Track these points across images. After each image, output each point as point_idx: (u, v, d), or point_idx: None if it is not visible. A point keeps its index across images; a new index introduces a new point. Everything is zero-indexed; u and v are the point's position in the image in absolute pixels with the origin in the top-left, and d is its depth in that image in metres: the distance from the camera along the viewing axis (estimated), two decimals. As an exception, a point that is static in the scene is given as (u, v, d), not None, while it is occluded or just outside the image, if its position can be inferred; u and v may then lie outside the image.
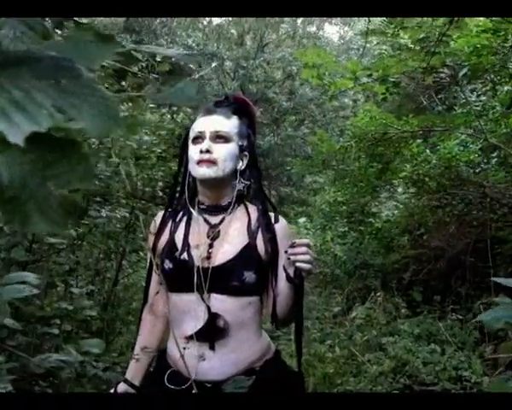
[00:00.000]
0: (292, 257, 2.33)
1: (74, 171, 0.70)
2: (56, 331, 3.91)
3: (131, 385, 2.57)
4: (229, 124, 2.52)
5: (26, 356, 2.50)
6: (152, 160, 6.35)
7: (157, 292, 2.61)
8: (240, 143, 2.54)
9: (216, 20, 24.45)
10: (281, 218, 2.59)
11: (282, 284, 2.46)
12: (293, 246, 2.34)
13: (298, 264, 2.32)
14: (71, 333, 5.05)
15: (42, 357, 2.33)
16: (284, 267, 2.42)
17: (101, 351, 2.74)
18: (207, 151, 2.44)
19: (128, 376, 2.61)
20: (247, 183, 2.61)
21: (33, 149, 0.68)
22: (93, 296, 6.31)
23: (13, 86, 0.63)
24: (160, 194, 6.98)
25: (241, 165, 2.57)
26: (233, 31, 25.31)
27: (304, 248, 2.32)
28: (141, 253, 7.48)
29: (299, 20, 25.59)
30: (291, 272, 2.37)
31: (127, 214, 6.17)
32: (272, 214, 2.58)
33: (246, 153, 2.58)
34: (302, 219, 15.82)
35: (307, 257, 2.31)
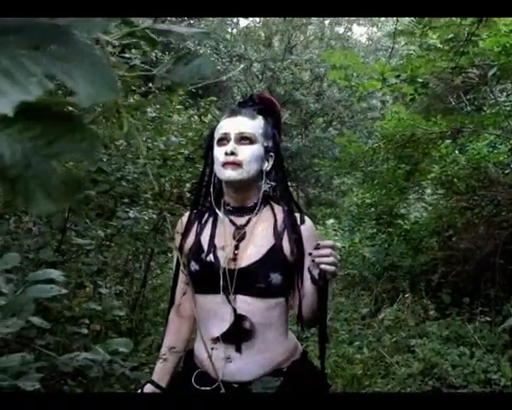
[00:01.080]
0: (316, 259, 2.33)
1: (78, 147, 0.67)
2: (85, 331, 3.94)
3: (158, 386, 2.57)
4: (253, 125, 2.51)
5: (54, 355, 2.51)
6: (180, 161, 6.36)
7: (184, 293, 2.61)
8: (265, 144, 2.53)
9: (243, 22, 24.53)
10: (307, 219, 2.58)
11: (308, 286, 2.45)
12: (317, 248, 2.34)
13: (322, 266, 2.31)
14: (100, 333, 5.09)
15: (70, 356, 2.34)
16: (309, 269, 2.41)
17: (128, 350, 2.74)
18: (232, 153, 2.43)
19: (155, 377, 2.60)
20: (273, 184, 2.60)
21: (35, 126, 0.65)
22: (121, 297, 6.36)
23: (2, 53, 0.61)
24: (188, 195, 7.01)
25: (267, 166, 2.56)
26: (261, 32, 25.36)
27: (328, 250, 2.31)
28: (169, 254, 7.52)
29: (327, 21, 25.62)
30: (315, 273, 2.37)
31: (154, 216, 6.20)
32: (298, 215, 2.57)
33: (271, 153, 2.57)
34: (330, 221, 15.81)
35: (331, 259, 2.31)
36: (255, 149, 2.48)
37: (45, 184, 0.65)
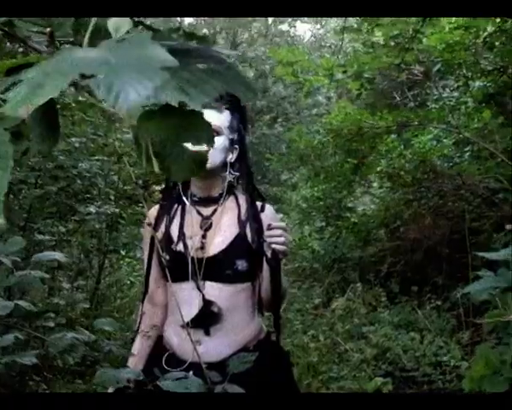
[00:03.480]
0: (268, 239, 2.47)
1: (197, 134, 0.92)
2: (52, 324, 4.00)
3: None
4: (220, 117, 2.62)
5: (42, 336, 2.61)
6: (133, 157, 6.41)
7: (156, 283, 2.73)
8: (230, 137, 2.65)
9: (188, 20, 24.48)
10: (267, 206, 2.70)
11: (265, 269, 2.59)
12: (269, 228, 2.48)
13: (273, 245, 2.46)
14: (65, 327, 5.14)
15: (58, 335, 2.43)
16: (264, 250, 2.55)
17: (114, 329, 2.85)
18: None
19: (130, 364, 2.67)
20: (237, 174, 2.71)
21: (168, 120, 0.88)
22: (79, 293, 6.40)
23: (181, 70, 0.81)
24: (141, 191, 7.06)
25: (231, 157, 2.67)
26: (205, 30, 25.32)
27: (279, 231, 2.46)
28: (122, 251, 7.56)
29: (271, 19, 25.65)
30: (269, 253, 2.51)
31: (116, 210, 6.25)
32: (260, 204, 2.69)
33: (236, 146, 2.69)
34: (279, 216, 15.91)
35: (282, 239, 2.46)
36: (220, 141, 2.59)
37: (177, 161, 0.92)
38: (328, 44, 23.48)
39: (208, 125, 0.95)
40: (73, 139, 5.92)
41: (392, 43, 6.40)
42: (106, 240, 6.76)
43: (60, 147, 5.54)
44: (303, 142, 9.00)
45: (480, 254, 2.29)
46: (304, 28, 31.38)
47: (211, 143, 0.94)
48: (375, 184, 11.14)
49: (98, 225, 6.54)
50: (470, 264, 5.91)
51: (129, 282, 8.49)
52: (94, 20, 0.88)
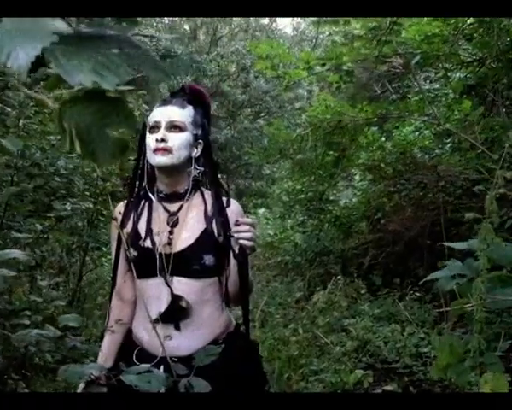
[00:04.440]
0: (236, 235, 2.50)
1: (122, 120, 0.94)
2: (27, 322, 3.99)
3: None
4: (183, 114, 2.64)
5: (7, 333, 2.60)
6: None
7: (124, 280, 2.74)
8: (194, 132, 2.66)
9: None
10: (232, 201, 2.74)
11: (232, 263, 2.62)
12: (237, 224, 2.51)
13: (241, 241, 2.49)
14: (42, 324, 5.12)
15: (23, 332, 2.42)
16: (231, 245, 2.57)
17: (78, 325, 2.84)
18: (163, 140, 2.56)
19: (100, 360, 2.69)
20: (202, 169, 2.74)
21: (93, 105, 0.92)
22: (59, 290, 6.37)
23: (96, 53, 0.86)
24: (121, 189, 7.05)
25: (196, 152, 2.69)
26: (186, 26, 25.31)
27: (247, 227, 2.49)
28: (103, 248, 7.54)
29: (251, 13, 25.63)
30: (236, 249, 2.54)
31: (91, 205, 6.23)
32: (225, 199, 2.71)
33: (200, 141, 2.70)
34: (261, 210, 15.95)
35: (249, 235, 2.48)
36: (184, 137, 2.61)
37: (102, 145, 0.94)
38: (309, 38, 23.53)
39: (130, 111, 0.97)
40: (52, 137, 5.89)
41: (371, 36, 6.39)
42: (85, 237, 6.73)
43: (37, 144, 5.53)
44: (282, 135, 8.99)
45: (447, 244, 2.30)
46: (285, 22, 31.49)
47: (133, 128, 0.97)
48: (356, 177, 11.18)
49: (80, 223, 6.52)
50: (446, 255, 5.90)
51: (110, 279, 8.46)
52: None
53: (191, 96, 2.73)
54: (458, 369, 2.10)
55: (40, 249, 5.57)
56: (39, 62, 0.80)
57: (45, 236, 5.74)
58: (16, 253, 2.30)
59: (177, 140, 2.58)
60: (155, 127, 2.61)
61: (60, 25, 0.78)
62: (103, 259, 8.31)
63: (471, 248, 2.20)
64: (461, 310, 2.14)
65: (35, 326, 4.25)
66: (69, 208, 5.69)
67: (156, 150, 2.57)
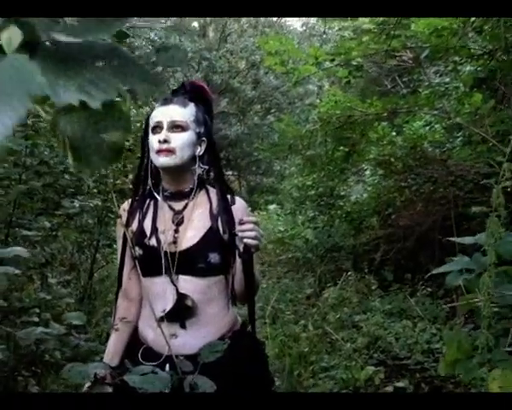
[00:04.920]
0: (240, 234, 2.48)
1: (117, 124, 0.93)
2: (36, 319, 3.99)
3: (109, 367, 2.64)
4: (185, 112, 2.61)
5: (12, 330, 2.59)
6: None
7: (130, 278, 2.72)
8: (197, 130, 2.64)
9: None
10: (238, 199, 2.73)
11: (238, 261, 2.60)
12: (241, 223, 2.48)
13: (245, 240, 2.47)
14: (50, 322, 5.12)
15: (27, 330, 2.41)
16: (236, 244, 2.56)
17: (82, 323, 2.84)
18: (165, 141, 2.54)
19: (106, 359, 2.69)
20: (206, 167, 2.72)
21: (87, 111, 0.88)
22: (70, 288, 6.37)
23: (84, 70, 0.86)
24: (131, 186, 7.04)
25: (200, 151, 2.67)
26: (195, 23, 25.31)
27: (251, 226, 2.47)
28: (114, 245, 7.54)
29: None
30: (241, 247, 2.52)
31: (99, 202, 6.22)
32: (230, 197, 2.70)
33: (203, 139, 2.68)
34: (272, 206, 15.93)
35: (254, 233, 2.46)
36: (187, 136, 2.59)
37: (97, 151, 0.94)
38: (318, 33, 23.47)
39: (125, 115, 0.95)
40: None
41: (379, 30, 6.37)
42: (96, 234, 6.74)
43: (46, 142, 5.52)
44: (291, 131, 8.97)
45: (453, 239, 2.28)
46: (294, 18, 31.39)
47: (128, 131, 0.95)
48: (367, 172, 11.15)
49: (91, 220, 6.52)
50: (457, 250, 5.85)
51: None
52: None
53: (192, 93, 2.71)
54: (466, 365, 2.08)
55: (50, 247, 5.56)
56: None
57: (54, 233, 5.73)
58: (19, 250, 2.28)
59: (180, 140, 2.56)
60: (157, 127, 2.59)
61: (34, 77, 0.77)
62: (114, 256, 8.31)
63: (479, 243, 2.17)
64: (469, 306, 2.11)
65: (44, 324, 4.27)
66: (77, 206, 5.68)
67: (159, 151, 2.55)
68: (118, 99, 0.89)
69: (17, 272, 2.17)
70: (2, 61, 0.79)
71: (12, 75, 0.76)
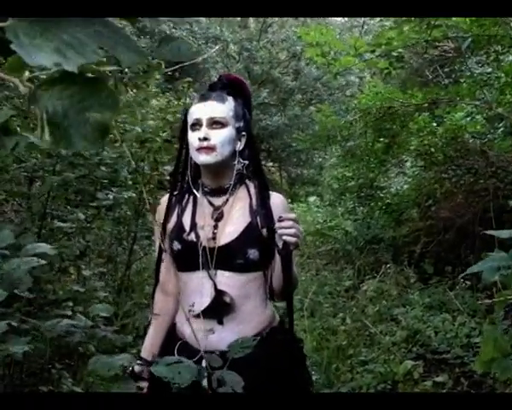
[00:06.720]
0: (279, 231, 2.44)
1: (103, 102, 0.88)
2: (69, 313, 3.99)
3: (146, 361, 2.64)
4: (224, 108, 2.58)
5: (36, 322, 2.59)
6: (157, 143, 6.36)
7: (167, 272, 2.71)
8: (236, 126, 2.61)
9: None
10: (277, 194, 2.70)
11: (277, 257, 2.57)
12: (280, 220, 2.44)
13: (284, 237, 2.43)
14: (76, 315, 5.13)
15: (53, 322, 2.41)
16: (275, 240, 2.52)
17: (109, 315, 2.83)
18: (205, 139, 2.51)
19: (144, 354, 2.70)
20: (246, 162, 2.69)
21: (71, 87, 0.86)
22: (105, 280, 6.40)
23: (62, 33, 0.81)
24: (168, 178, 7.04)
25: (240, 145, 2.65)
26: (236, 14, 25.30)
27: (290, 223, 2.42)
28: (152, 237, 7.56)
29: None
30: (280, 244, 2.48)
31: (134, 194, 6.22)
32: (270, 192, 2.67)
33: (243, 133, 2.66)
34: (312, 198, 15.89)
35: (293, 231, 2.42)
36: (227, 132, 2.56)
37: (81, 130, 0.88)
38: (359, 24, 23.36)
39: (112, 92, 0.91)
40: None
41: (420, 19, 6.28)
42: (133, 227, 6.75)
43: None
44: (330, 121, 8.93)
45: (489, 232, 2.21)
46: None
47: (115, 110, 0.90)
48: (407, 164, 11.07)
49: (129, 212, 6.54)
50: (497, 243, 5.77)
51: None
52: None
53: (230, 87, 2.67)
54: (503, 364, 2.03)
55: (85, 239, 5.58)
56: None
57: (89, 225, 5.75)
58: (45, 247, 2.27)
59: (220, 137, 2.54)
60: (196, 124, 2.56)
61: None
62: (152, 248, 8.34)
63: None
64: (505, 302, 2.06)
65: (74, 316, 4.28)
66: (111, 198, 5.68)
67: (199, 149, 2.53)
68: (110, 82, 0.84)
69: (43, 262, 2.15)
70: None
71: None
